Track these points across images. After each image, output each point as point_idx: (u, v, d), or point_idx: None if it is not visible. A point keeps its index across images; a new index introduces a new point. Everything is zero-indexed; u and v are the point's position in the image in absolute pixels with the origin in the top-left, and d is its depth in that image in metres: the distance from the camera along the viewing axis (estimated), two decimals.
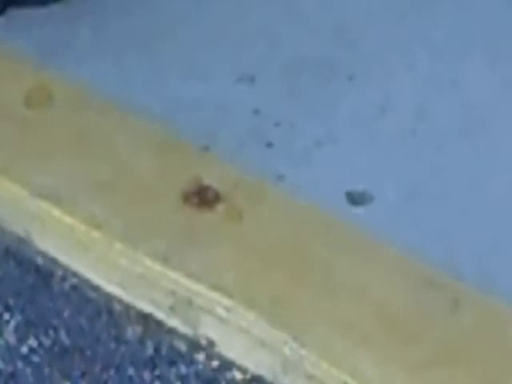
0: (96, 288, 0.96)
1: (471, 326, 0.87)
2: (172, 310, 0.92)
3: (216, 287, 0.89)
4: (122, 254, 0.93)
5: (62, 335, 0.93)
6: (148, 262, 0.92)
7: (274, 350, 0.88)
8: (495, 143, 1.02)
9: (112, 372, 0.91)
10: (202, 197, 0.97)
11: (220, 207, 0.96)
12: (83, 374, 0.91)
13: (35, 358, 0.92)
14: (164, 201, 0.96)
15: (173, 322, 0.93)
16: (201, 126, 1.01)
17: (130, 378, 0.90)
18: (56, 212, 0.97)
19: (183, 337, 0.92)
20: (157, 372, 0.90)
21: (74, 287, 0.97)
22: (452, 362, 0.84)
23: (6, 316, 0.95)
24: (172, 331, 0.93)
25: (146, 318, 0.94)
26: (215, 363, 0.91)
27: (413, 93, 1.05)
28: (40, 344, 0.93)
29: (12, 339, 0.93)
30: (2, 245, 1.01)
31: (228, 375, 0.91)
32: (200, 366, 0.91)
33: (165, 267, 0.91)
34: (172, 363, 0.91)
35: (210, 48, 1.16)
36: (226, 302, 0.89)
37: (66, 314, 0.95)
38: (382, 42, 1.16)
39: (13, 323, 0.95)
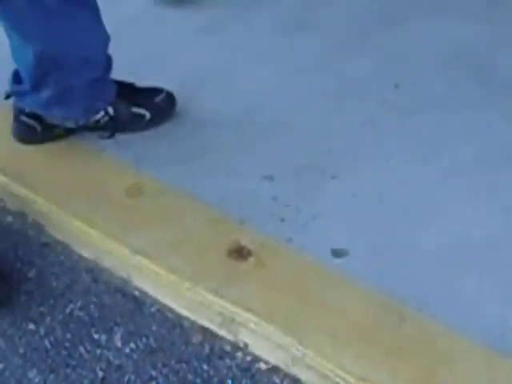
0: (172, 310, 1.43)
1: (412, 335, 1.30)
2: (221, 324, 1.39)
3: (249, 309, 1.34)
4: (189, 289, 1.40)
5: (151, 341, 1.40)
6: (205, 294, 1.38)
7: (286, 349, 1.31)
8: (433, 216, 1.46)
9: (183, 365, 1.37)
10: (240, 253, 1.43)
11: (251, 259, 1.41)
12: (164, 366, 1.37)
13: (134, 355, 1.39)
14: (215, 255, 1.42)
15: (221, 332, 1.37)
16: (239, 207, 1.49)
17: (195, 368, 1.36)
18: (147, 262, 1.45)
19: (228, 341, 1.38)
20: (212, 364, 1.36)
21: (158, 310, 1.44)
22: (399, 356, 1.27)
23: (115, 329, 1.43)
24: (221, 338, 1.38)
25: (204, 330, 1.40)
26: (248, 358, 1.35)
27: (376, 185, 1.51)
28: (137, 346, 1.41)
29: (119, 343, 1.41)
30: (112, 283, 1.49)
31: (256, 366, 1.35)
32: (239, 360, 1.36)
33: (216, 297, 1.38)
34: (221, 358, 1.37)
35: (246, 155, 1.63)
36: (255, 319, 1.34)
37: (153, 327, 1.43)
38: (354, 150, 1.62)
39: (119, 334, 1.42)
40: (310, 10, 2.12)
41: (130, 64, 1.76)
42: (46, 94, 1.56)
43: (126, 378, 1.34)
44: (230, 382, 1.31)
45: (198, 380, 1.31)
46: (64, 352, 1.39)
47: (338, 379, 1.23)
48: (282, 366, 1.31)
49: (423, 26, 1.99)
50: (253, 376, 1.31)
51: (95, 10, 1.54)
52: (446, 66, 1.84)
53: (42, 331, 1.43)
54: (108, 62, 1.61)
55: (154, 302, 1.43)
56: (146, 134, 1.67)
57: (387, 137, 1.63)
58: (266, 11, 2.13)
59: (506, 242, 1.38)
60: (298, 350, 1.27)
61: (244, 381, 1.30)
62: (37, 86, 1.55)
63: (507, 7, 2.06)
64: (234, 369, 1.32)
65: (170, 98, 1.72)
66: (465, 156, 1.55)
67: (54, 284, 1.50)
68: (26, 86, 1.56)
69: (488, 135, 1.62)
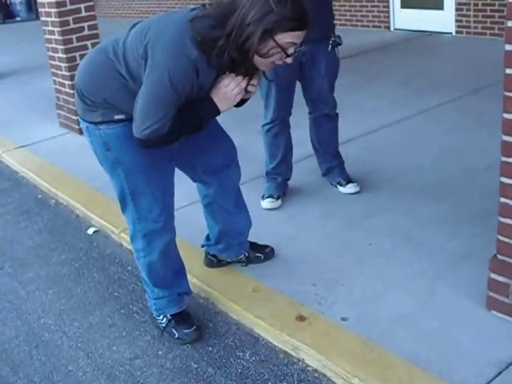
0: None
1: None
2: None
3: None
4: None
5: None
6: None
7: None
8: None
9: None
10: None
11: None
12: None
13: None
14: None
15: None
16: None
17: None
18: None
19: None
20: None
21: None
22: None
23: None
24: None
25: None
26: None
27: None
28: None
29: None
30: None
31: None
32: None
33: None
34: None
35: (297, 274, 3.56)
36: None
37: None
38: None
39: None
40: None
41: None
42: (220, 247, 3.58)
43: None
44: None
45: None
46: None
47: None
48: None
49: None
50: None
51: (245, 208, 3.53)
52: None
53: None
54: (247, 234, 3.61)
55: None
56: (261, 264, 3.66)
57: None
58: None
59: None
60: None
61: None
62: (216, 243, 3.59)
63: None
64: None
65: (272, 251, 3.71)
66: None
67: None
68: (212, 242, 3.60)
69: None
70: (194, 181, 3.37)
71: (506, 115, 2.77)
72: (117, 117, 2.85)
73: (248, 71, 2.74)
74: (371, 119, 5.74)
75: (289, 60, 2.67)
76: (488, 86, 6.20)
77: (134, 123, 2.71)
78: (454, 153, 4.86)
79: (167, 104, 2.65)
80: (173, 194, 3.11)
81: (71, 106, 5.98)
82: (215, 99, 2.77)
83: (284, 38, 2.57)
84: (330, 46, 4.02)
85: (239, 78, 2.76)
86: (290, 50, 2.64)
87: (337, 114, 4.33)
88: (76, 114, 5.66)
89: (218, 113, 2.84)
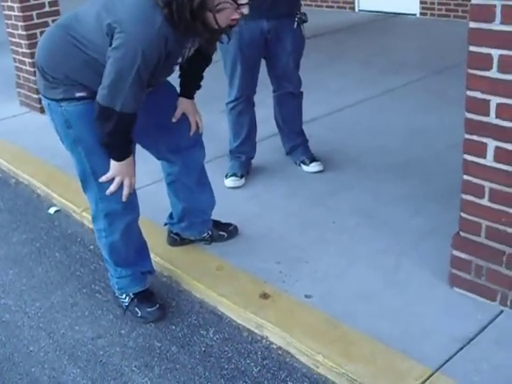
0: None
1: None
2: None
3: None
4: None
5: None
6: None
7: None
8: None
9: None
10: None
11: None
12: None
13: None
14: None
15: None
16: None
17: None
18: None
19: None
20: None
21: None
22: None
23: None
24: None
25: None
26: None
27: None
28: None
29: None
30: None
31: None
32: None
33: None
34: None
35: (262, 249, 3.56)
36: None
37: None
38: None
39: None
40: None
41: None
42: (183, 225, 3.55)
43: None
44: None
45: None
46: None
47: None
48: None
49: None
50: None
51: (209, 186, 3.50)
52: None
53: None
54: (210, 212, 3.59)
55: None
56: (224, 243, 3.64)
57: None
58: None
59: None
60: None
61: None
62: (179, 222, 3.55)
63: None
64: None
65: (236, 229, 3.69)
66: None
67: None
68: (175, 220, 3.56)
69: None
70: (159, 159, 3.34)
71: (469, 92, 2.78)
72: (78, 94, 2.80)
73: (211, 35, 2.72)
74: (335, 99, 5.74)
75: (244, 10, 2.65)
76: (452, 67, 6.22)
77: (101, 91, 2.67)
78: (419, 132, 4.87)
79: (135, 76, 2.60)
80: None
81: (32, 85, 5.88)
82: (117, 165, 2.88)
83: None
84: (296, 23, 3.99)
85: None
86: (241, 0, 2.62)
87: (301, 93, 4.31)
88: (37, 93, 5.68)
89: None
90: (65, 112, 2.82)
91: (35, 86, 5.79)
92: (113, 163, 2.85)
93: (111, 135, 2.75)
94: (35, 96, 5.86)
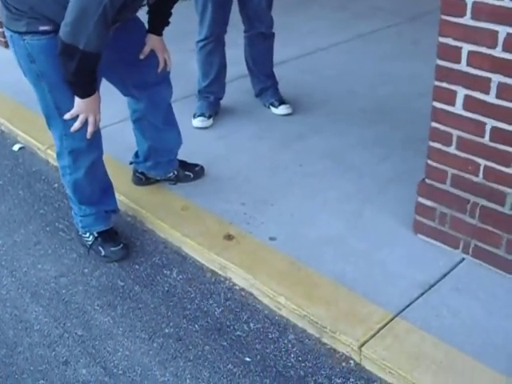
0: None
1: None
2: None
3: None
4: None
5: None
6: None
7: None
8: None
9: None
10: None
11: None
12: None
13: None
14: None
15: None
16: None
17: None
18: None
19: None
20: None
21: None
22: None
23: None
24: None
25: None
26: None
27: None
28: None
29: None
30: None
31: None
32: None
33: None
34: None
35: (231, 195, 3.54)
36: None
37: None
38: None
39: None
40: None
41: None
42: (149, 164, 3.51)
43: None
44: None
45: None
46: None
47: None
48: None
49: None
50: None
51: (176, 126, 3.46)
52: None
53: None
54: (177, 152, 3.56)
55: None
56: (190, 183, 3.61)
57: None
58: None
59: None
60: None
61: None
62: (145, 161, 3.51)
63: None
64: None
65: (202, 169, 3.66)
66: None
67: None
68: (141, 159, 3.53)
69: None
70: (125, 95, 3.29)
71: (441, 39, 2.75)
72: (42, 28, 2.72)
73: None
74: (307, 42, 5.65)
75: None
76: (426, 14, 6.14)
77: (64, 27, 2.58)
78: (390, 78, 4.84)
79: (101, 14, 2.53)
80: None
81: None
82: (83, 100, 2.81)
83: None
84: None
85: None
86: None
87: (273, 34, 4.24)
88: (0, 26, 5.51)
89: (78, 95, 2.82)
90: (28, 46, 2.74)
91: None
92: (77, 100, 2.79)
93: (75, 73, 2.68)
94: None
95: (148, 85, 3.17)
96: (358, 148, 3.89)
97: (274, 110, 4.33)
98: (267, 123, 4.25)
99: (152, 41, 3.10)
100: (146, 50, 3.08)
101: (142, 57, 3.08)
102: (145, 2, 2.82)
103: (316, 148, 3.92)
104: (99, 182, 3.16)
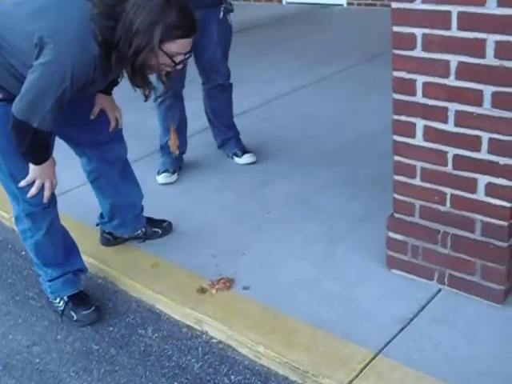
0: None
1: None
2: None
3: None
4: None
5: None
6: None
7: None
8: None
9: None
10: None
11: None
12: None
13: None
14: None
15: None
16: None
17: None
18: None
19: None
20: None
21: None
22: None
23: None
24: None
25: None
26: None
27: None
28: None
29: None
30: None
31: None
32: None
33: None
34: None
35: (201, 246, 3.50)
36: None
37: None
38: None
39: None
40: None
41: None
42: (115, 223, 3.47)
43: None
44: None
45: None
46: None
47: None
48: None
49: None
50: None
51: (134, 180, 3.43)
52: None
53: None
54: (142, 206, 3.52)
55: None
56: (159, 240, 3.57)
57: None
58: None
59: None
60: None
61: None
62: (111, 220, 3.47)
63: None
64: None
65: (170, 225, 3.62)
66: None
67: None
68: (106, 219, 3.48)
69: None
70: (78, 155, 3.26)
71: (395, 73, 2.78)
72: None
73: (142, 79, 2.66)
74: (266, 90, 5.70)
75: (179, 67, 2.63)
76: (380, 54, 6.23)
77: (19, 104, 2.56)
78: (350, 119, 4.87)
79: (59, 96, 2.54)
80: None
81: None
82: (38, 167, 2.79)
83: (171, 47, 2.52)
84: (222, 13, 3.94)
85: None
86: (179, 58, 2.58)
87: (230, 84, 4.26)
88: None
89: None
90: None
91: None
92: (32, 167, 2.76)
93: (27, 147, 2.67)
94: None
95: (100, 143, 3.16)
96: (324, 189, 3.88)
97: (237, 159, 4.33)
98: (231, 173, 4.24)
99: (102, 100, 3.09)
100: (96, 110, 3.07)
101: (92, 117, 3.06)
102: (101, 87, 2.88)
103: (282, 193, 3.91)
104: (61, 241, 3.11)
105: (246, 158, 4.30)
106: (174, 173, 4.20)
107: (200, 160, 4.46)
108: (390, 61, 2.76)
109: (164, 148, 4.25)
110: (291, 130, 4.79)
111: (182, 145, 4.28)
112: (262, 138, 4.68)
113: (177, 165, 4.26)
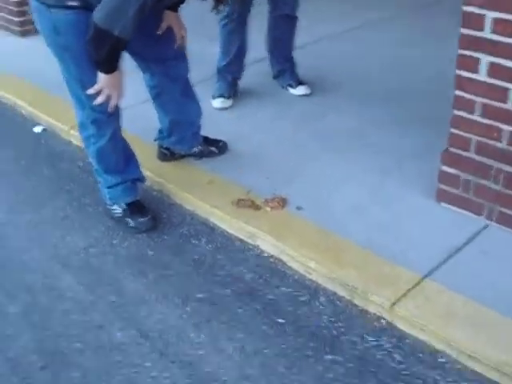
0: None
1: None
2: None
3: None
4: None
5: None
6: None
7: None
8: None
9: None
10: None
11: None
12: None
13: None
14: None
15: None
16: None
17: None
18: None
19: None
20: None
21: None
22: None
23: None
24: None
25: None
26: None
27: None
28: None
29: None
30: None
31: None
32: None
33: None
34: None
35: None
36: None
37: None
38: None
39: None
40: None
41: None
42: (173, 139, 3.57)
43: None
44: None
45: None
46: None
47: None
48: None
49: None
50: None
51: (195, 98, 3.51)
52: None
53: None
54: (200, 125, 3.61)
55: None
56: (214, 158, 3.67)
57: None
58: None
59: None
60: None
61: None
62: (169, 136, 3.57)
63: None
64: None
65: (225, 145, 3.72)
66: None
67: None
68: (165, 134, 3.58)
69: None
70: (142, 69, 3.34)
71: (464, 8, 2.82)
72: (70, 3, 2.77)
73: None
74: (318, 29, 5.69)
75: None
76: (435, 4, 6.21)
77: (100, 12, 2.65)
78: (402, 63, 4.87)
79: (141, 4, 2.62)
80: None
81: (12, 7, 5.77)
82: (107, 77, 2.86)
83: None
84: None
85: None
86: None
87: (296, 17, 4.28)
88: (17, 16, 5.59)
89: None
90: (54, 18, 2.79)
91: (16, 9, 5.71)
92: (101, 76, 2.86)
93: (103, 56, 2.77)
94: (16, 19, 5.77)
95: (165, 59, 3.24)
96: (377, 126, 3.93)
97: (292, 90, 4.39)
98: (286, 103, 4.31)
99: (169, 17, 3.16)
100: (164, 25, 3.14)
101: (159, 32, 3.13)
102: None
103: (335, 126, 3.97)
104: (122, 150, 3.23)
105: (301, 90, 4.36)
106: (229, 98, 4.28)
107: (255, 89, 4.52)
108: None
109: (221, 72, 4.32)
110: (343, 68, 4.81)
111: (238, 70, 4.34)
112: (316, 72, 4.71)
113: (232, 90, 4.34)
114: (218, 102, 4.24)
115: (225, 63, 4.26)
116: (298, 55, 4.65)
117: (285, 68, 4.42)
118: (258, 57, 4.68)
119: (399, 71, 4.71)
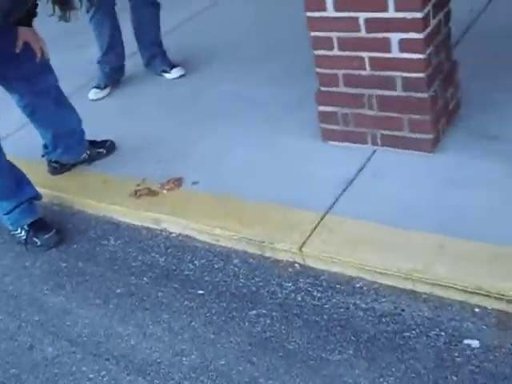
0: None
1: None
2: None
3: None
4: None
5: None
6: None
7: None
8: None
9: None
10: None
11: None
12: None
13: None
14: None
15: None
16: None
17: None
18: None
19: None
20: None
21: None
22: None
23: None
24: None
25: None
26: None
27: None
28: None
29: None
30: None
31: None
32: None
33: None
34: None
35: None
36: None
37: None
38: None
39: None
40: None
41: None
42: (59, 151, 3.56)
43: None
44: None
45: None
46: None
47: None
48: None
49: None
50: None
51: (70, 106, 3.51)
52: None
53: None
54: (82, 131, 3.61)
55: None
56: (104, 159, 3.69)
57: None
58: None
59: None
60: None
61: None
62: (55, 149, 3.56)
63: None
64: None
65: (113, 143, 3.74)
66: None
67: None
68: (50, 149, 3.58)
69: None
70: (10, 93, 3.31)
71: None
72: None
73: None
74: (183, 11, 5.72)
75: None
76: None
77: None
78: (268, 25, 4.92)
79: None
80: None
81: None
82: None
83: None
84: None
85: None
86: None
87: (159, 3, 4.32)
88: None
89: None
90: None
91: None
92: None
93: None
94: None
95: (29, 77, 3.22)
96: (254, 86, 4.01)
97: (167, 75, 4.42)
98: (165, 88, 4.36)
99: (24, 33, 3.11)
100: (20, 43, 3.09)
101: (17, 50, 3.09)
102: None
103: (217, 95, 4.05)
104: (9, 173, 3.21)
105: (175, 72, 4.39)
106: (104, 88, 4.35)
107: (135, 79, 4.56)
108: None
109: (99, 63, 4.36)
110: (212, 41, 4.86)
111: (114, 59, 4.35)
112: (186, 52, 4.75)
113: (109, 80, 4.38)
114: (92, 94, 4.31)
115: (100, 54, 4.27)
116: (166, 40, 4.66)
117: (154, 53, 4.43)
118: (135, 49, 4.66)
119: (263, 35, 4.76)
